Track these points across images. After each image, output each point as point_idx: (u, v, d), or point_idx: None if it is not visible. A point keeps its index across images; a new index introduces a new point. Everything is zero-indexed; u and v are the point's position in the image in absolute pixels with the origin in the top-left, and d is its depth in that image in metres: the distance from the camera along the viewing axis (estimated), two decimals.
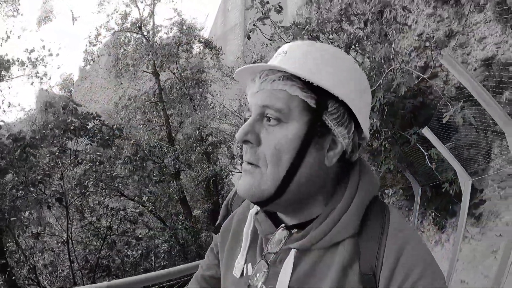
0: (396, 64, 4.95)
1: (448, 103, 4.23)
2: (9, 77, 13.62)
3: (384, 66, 5.25)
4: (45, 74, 15.07)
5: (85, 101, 30.29)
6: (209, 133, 14.55)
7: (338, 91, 0.82)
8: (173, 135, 14.83)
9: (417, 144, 5.64)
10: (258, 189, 0.83)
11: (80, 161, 8.23)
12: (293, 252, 0.87)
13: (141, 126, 14.60)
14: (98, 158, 8.25)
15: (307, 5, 7.86)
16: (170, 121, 14.82)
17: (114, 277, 8.64)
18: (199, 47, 16.53)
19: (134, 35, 15.61)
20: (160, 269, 4.29)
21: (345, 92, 0.83)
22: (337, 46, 6.11)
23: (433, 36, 5.79)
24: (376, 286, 0.80)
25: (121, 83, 16.49)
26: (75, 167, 8.75)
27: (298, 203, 0.87)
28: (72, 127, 7.84)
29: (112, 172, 8.87)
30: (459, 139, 5.16)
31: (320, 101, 0.83)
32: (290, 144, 0.81)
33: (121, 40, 15.77)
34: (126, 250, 9.57)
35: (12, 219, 7.68)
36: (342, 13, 5.88)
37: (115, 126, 8.85)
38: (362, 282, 0.80)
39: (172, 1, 17.15)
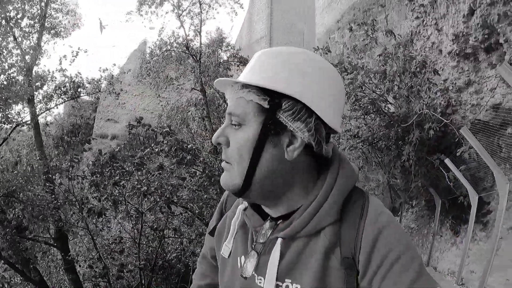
0: (426, 111, 6.98)
1: (462, 140, 6.26)
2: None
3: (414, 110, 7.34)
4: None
5: (112, 107, 32.04)
6: None
7: (290, 90, 0.93)
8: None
9: (440, 167, 7.65)
10: (231, 182, 0.99)
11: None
12: (279, 241, 0.98)
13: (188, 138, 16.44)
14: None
15: (352, 51, 9.95)
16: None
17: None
18: (237, 64, 18.60)
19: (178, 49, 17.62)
20: None
21: (299, 90, 0.94)
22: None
23: (455, 83, 7.81)
24: (356, 268, 0.91)
25: (159, 96, 18.53)
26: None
27: (274, 195, 1.00)
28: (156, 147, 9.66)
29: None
30: (470, 164, 7.14)
31: (273, 101, 0.94)
32: (248, 143, 0.96)
33: (164, 54, 17.80)
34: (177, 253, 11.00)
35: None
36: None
37: (190, 145, 10.31)
38: (343, 265, 0.92)
39: (214, 18, 19.17)
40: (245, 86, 0.97)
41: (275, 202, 1.02)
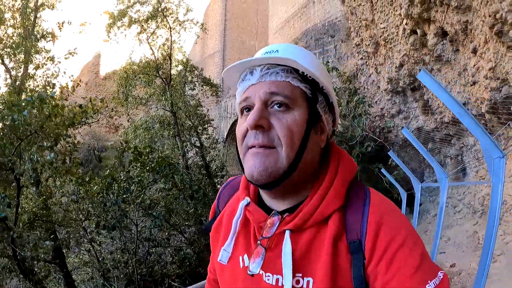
0: (367, 134, 10.09)
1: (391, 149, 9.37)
2: None
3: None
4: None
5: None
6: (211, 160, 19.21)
7: (326, 85, 1.05)
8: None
9: (378, 173, 10.73)
10: (275, 167, 0.96)
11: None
12: (288, 233, 0.98)
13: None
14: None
15: None
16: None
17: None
18: (201, 84, 21.04)
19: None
20: None
21: (329, 89, 1.07)
22: None
23: (390, 111, 10.98)
24: (362, 251, 0.93)
25: (128, 114, 20.44)
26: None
27: (297, 185, 1.03)
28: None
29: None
30: (399, 171, 10.27)
31: (313, 92, 1.03)
32: (299, 127, 0.98)
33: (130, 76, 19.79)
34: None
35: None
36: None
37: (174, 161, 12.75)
38: (350, 249, 0.94)
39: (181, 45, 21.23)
40: (289, 70, 1.01)
41: (291, 193, 1.04)
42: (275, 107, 1.00)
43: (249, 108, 1.03)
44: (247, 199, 1.09)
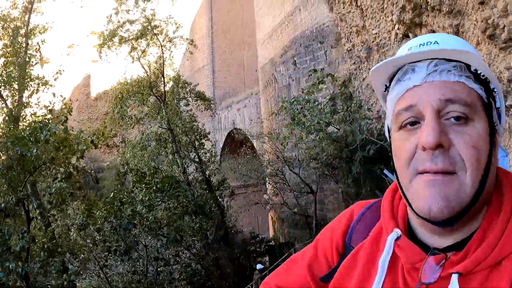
0: (368, 137, 10.37)
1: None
2: None
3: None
4: None
5: None
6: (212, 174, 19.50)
7: (497, 85, 0.82)
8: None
9: (381, 175, 10.98)
10: (458, 199, 0.75)
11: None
12: (455, 278, 0.78)
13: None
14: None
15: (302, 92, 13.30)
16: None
17: None
18: (195, 99, 21.29)
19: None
20: None
21: (499, 88, 0.84)
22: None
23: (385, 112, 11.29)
24: None
25: (122, 135, 20.59)
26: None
27: (468, 217, 0.79)
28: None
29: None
30: None
31: (490, 96, 0.81)
32: (485, 144, 0.78)
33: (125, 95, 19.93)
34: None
35: None
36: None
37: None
38: None
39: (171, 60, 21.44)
40: (463, 67, 0.79)
41: (460, 226, 0.81)
42: (452, 119, 0.77)
43: (414, 121, 0.80)
44: (397, 231, 0.87)
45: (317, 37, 17.68)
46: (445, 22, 6.50)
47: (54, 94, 15.42)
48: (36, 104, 16.39)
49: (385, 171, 9.92)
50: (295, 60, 19.40)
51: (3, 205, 8.26)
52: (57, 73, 16.81)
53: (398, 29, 8.12)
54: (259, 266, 16.42)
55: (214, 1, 37.84)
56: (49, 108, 14.37)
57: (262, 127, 23.48)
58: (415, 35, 8.04)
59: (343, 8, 11.15)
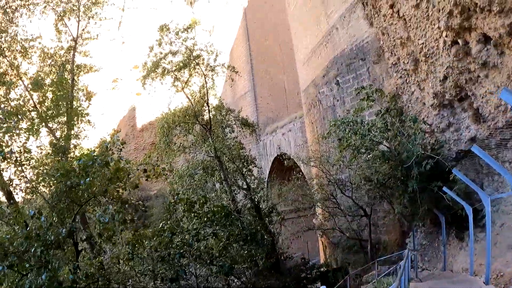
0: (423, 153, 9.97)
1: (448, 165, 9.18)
2: None
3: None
4: None
5: None
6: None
7: None
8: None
9: (438, 191, 10.47)
10: None
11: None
12: None
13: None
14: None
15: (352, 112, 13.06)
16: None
17: None
18: (239, 125, 21.45)
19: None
20: None
21: None
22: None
23: (439, 126, 10.83)
24: None
25: (170, 164, 20.93)
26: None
27: None
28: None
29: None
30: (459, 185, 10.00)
31: None
32: None
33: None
34: None
35: None
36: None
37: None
38: None
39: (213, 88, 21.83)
40: None
41: None
42: None
43: None
44: None
45: (357, 55, 17.51)
46: (496, 23, 6.23)
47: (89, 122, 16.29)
48: (83, 138, 17.43)
49: (454, 170, 9.43)
50: (337, 80, 19.28)
51: (53, 237, 8.36)
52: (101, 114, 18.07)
53: (446, 36, 7.86)
54: None
55: (250, 29, 38.61)
56: (101, 139, 15.07)
57: (308, 151, 23.32)
58: (465, 41, 7.75)
59: (385, 21, 10.98)
